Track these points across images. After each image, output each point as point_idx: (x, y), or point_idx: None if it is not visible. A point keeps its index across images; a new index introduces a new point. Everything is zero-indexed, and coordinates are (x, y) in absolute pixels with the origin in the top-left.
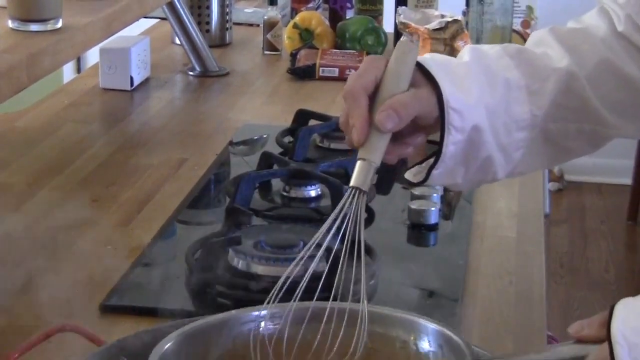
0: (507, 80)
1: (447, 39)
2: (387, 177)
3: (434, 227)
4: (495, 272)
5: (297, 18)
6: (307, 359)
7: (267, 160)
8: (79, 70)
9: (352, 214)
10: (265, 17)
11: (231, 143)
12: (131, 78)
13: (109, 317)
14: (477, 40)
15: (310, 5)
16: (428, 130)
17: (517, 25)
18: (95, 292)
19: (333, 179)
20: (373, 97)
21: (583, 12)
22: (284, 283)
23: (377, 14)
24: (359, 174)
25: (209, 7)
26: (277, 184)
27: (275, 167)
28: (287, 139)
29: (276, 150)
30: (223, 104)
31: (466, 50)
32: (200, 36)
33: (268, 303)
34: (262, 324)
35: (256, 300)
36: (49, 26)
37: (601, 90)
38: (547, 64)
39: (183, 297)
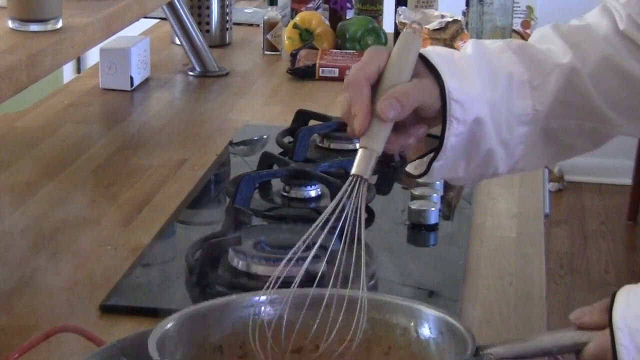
0: (510, 75)
1: (447, 39)
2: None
3: (434, 228)
4: (495, 272)
5: (297, 18)
6: (306, 344)
7: (267, 160)
8: (79, 70)
9: (353, 202)
10: (265, 17)
11: (231, 143)
12: (131, 78)
13: (109, 317)
14: None
15: (310, 5)
16: (430, 122)
17: (517, 26)
18: (95, 292)
19: (333, 179)
20: (375, 87)
21: (583, 12)
22: (285, 269)
23: (377, 14)
24: (360, 162)
25: (209, 7)
26: (277, 184)
27: (275, 167)
28: (287, 139)
29: (276, 150)
30: (223, 104)
31: (469, 44)
32: (200, 36)
33: (268, 288)
34: (262, 308)
35: None
36: (49, 26)
37: (603, 87)
38: (550, 59)
39: (183, 297)
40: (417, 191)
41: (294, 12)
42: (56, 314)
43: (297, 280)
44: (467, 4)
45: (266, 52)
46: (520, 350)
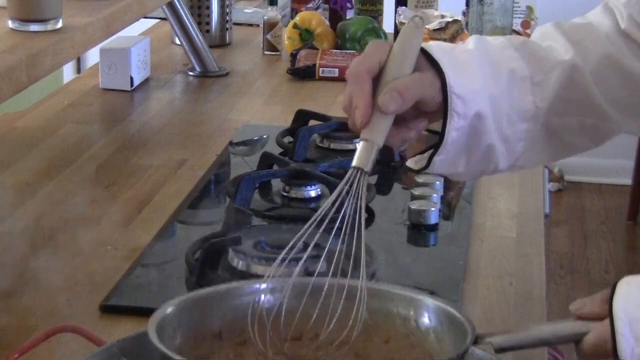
0: (512, 71)
1: (447, 39)
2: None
3: (434, 228)
4: (495, 272)
5: (297, 18)
6: (306, 332)
7: (267, 160)
8: (79, 70)
9: (353, 194)
10: (265, 17)
11: (231, 143)
12: (131, 78)
13: (109, 317)
14: None
15: (310, 5)
16: (430, 116)
17: (517, 26)
18: (95, 292)
19: (333, 179)
20: (377, 81)
21: (583, 12)
22: (286, 255)
23: (377, 14)
24: (361, 154)
25: (209, 7)
26: (277, 184)
27: (275, 167)
28: (287, 139)
29: (276, 150)
30: (223, 104)
31: (471, 39)
32: (200, 36)
33: (269, 277)
34: (262, 296)
35: None
36: (49, 26)
37: (604, 85)
38: (551, 56)
39: None
40: (417, 191)
41: (294, 12)
42: (56, 314)
43: (298, 269)
44: (467, 4)
45: (266, 52)
46: (519, 339)
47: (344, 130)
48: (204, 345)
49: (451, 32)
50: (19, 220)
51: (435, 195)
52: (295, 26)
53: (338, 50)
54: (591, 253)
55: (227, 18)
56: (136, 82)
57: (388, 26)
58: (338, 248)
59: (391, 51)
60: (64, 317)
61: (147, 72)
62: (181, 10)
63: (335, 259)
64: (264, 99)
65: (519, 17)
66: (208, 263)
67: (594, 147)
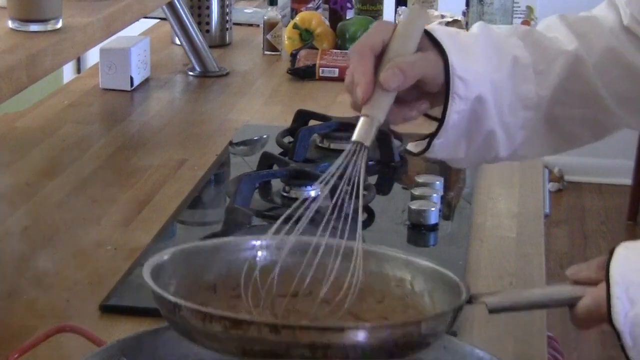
0: (515, 58)
1: None
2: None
3: (434, 228)
4: (495, 272)
5: (297, 18)
6: (300, 292)
7: (267, 160)
8: (79, 70)
9: (353, 168)
10: (265, 17)
11: (231, 143)
12: (131, 78)
13: (109, 317)
14: None
15: (310, 5)
16: (432, 98)
17: None
18: (95, 292)
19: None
20: (380, 59)
21: (582, 12)
22: (287, 218)
23: (377, 14)
24: (361, 129)
25: (209, 7)
26: (277, 184)
27: (275, 167)
28: (287, 139)
29: (276, 150)
30: (223, 104)
31: (476, 25)
32: (200, 36)
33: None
34: (259, 253)
35: None
36: (49, 26)
37: (607, 78)
38: (555, 46)
39: None
40: (417, 191)
41: (294, 12)
42: (56, 314)
43: (298, 229)
44: (467, 4)
45: (266, 52)
46: (514, 301)
47: (344, 130)
48: (198, 296)
49: None
50: (19, 220)
51: (435, 195)
52: (295, 26)
53: (338, 50)
54: (591, 253)
55: (227, 18)
56: (136, 82)
57: None
58: (335, 216)
59: (395, 31)
60: (64, 317)
61: (147, 72)
62: (181, 10)
63: (331, 223)
64: (264, 99)
65: (519, 17)
66: None
67: (595, 141)
